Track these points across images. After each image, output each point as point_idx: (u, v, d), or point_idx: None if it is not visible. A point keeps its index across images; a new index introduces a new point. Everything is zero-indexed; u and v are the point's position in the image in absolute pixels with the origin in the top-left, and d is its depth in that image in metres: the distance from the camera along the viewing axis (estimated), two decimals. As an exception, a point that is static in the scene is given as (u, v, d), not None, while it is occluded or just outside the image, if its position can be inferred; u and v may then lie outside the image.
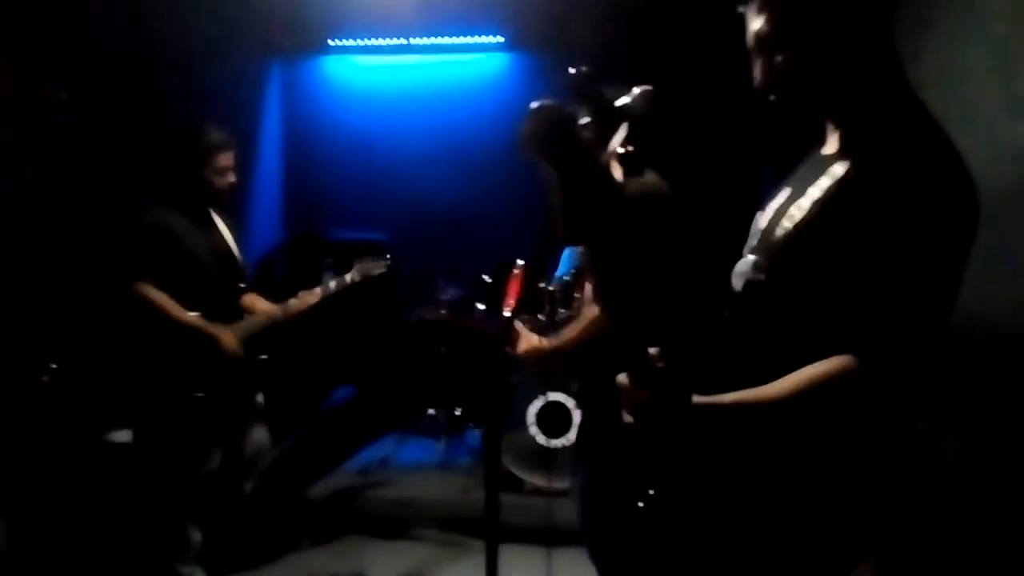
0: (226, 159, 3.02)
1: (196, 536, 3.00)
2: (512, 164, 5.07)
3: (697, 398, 1.16)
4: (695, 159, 2.25)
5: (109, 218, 2.97)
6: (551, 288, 2.78)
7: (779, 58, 1.21)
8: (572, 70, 1.09)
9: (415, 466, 4.28)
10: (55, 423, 2.85)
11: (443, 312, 4.18)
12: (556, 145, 1.00)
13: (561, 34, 4.57)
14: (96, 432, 3.23)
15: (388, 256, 3.37)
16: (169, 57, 3.75)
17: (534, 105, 1.00)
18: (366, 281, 3.34)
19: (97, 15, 3.37)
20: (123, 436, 3.18)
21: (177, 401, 2.93)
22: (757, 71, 1.25)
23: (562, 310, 2.71)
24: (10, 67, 2.95)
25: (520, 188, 4.68)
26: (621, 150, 1.91)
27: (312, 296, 3.23)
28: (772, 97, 1.24)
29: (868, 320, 1.11)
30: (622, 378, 1.18)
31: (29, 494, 2.76)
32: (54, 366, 2.42)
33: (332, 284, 3.27)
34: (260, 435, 3.28)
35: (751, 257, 1.29)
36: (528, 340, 2.47)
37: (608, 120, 2.04)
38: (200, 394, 2.93)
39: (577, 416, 3.72)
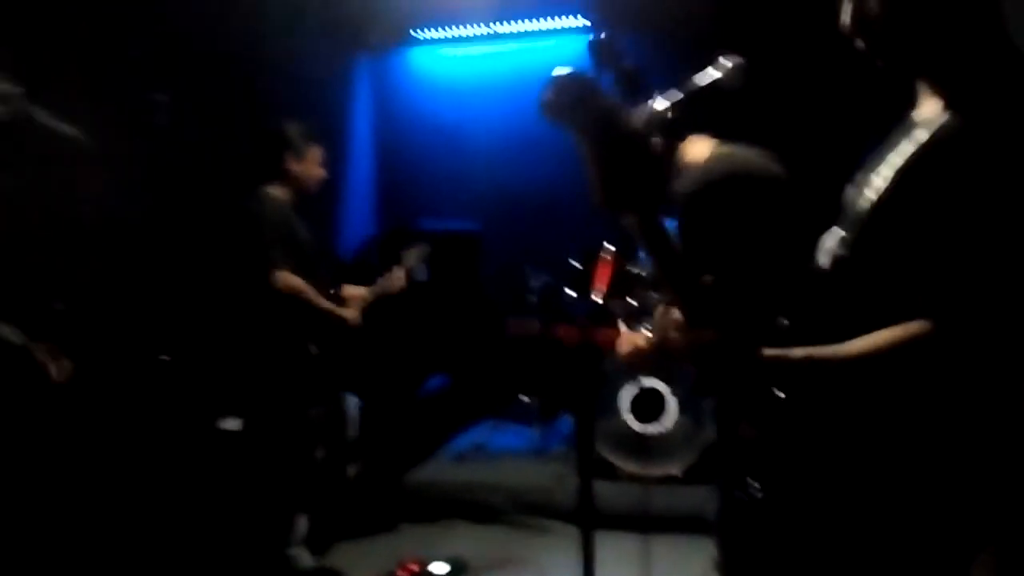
0: (313, 152, 3.12)
1: (303, 520, 3.11)
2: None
3: (767, 350, 1.10)
4: (793, 132, 2.15)
5: (226, 212, 3.12)
6: (641, 272, 2.72)
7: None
8: (593, 37, 1.06)
9: (509, 452, 4.30)
10: (168, 411, 3.00)
11: (533, 323, 4.17)
12: (578, 112, 1.00)
13: (645, 12, 4.47)
14: (207, 420, 3.40)
15: (426, 243, 3.55)
16: (261, 56, 3.87)
17: (555, 73, 1.00)
18: (418, 265, 3.51)
19: (193, 19, 3.51)
20: (233, 424, 3.33)
21: (293, 388, 3.06)
22: (845, 13, 1.18)
23: (653, 293, 2.65)
24: (114, 72, 3.11)
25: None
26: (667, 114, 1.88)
27: (395, 279, 3.37)
28: (859, 43, 1.17)
29: (944, 283, 1.04)
30: (676, 317, 1.13)
31: (140, 480, 2.92)
32: (165, 358, 2.55)
33: (400, 269, 3.41)
34: (354, 419, 3.40)
35: (838, 232, 1.23)
36: (630, 341, 2.41)
37: (693, 99, 1.99)
38: (315, 382, 3.06)
39: (672, 402, 3.66)
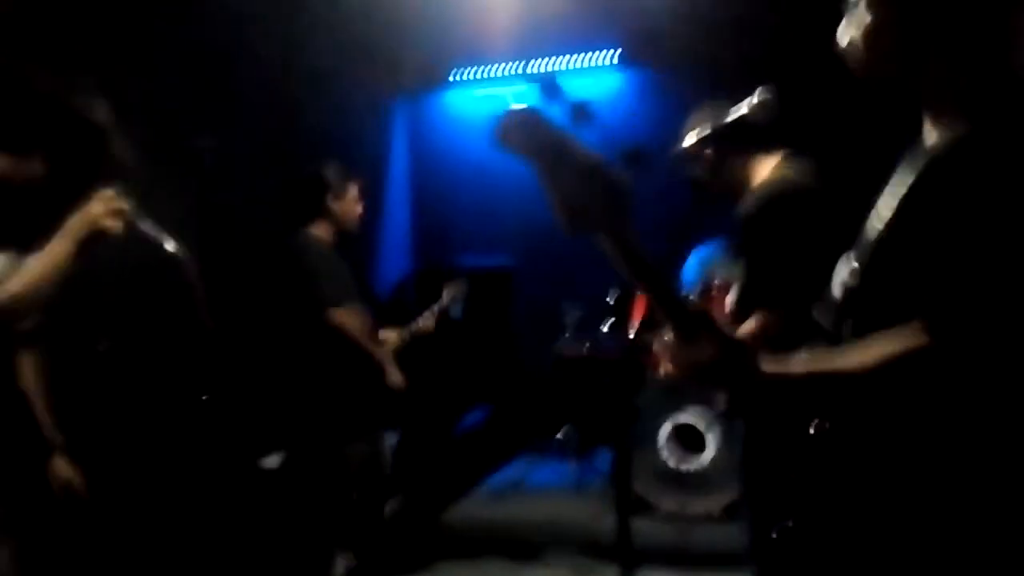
0: (351, 189, 3.22)
1: (341, 558, 3.12)
2: (634, 181, 5.03)
3: (768, 365, 1.10)
4: (827, 160, 2.16)
5: (270, 253, 3.21)
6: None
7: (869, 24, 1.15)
8: (541, 80, 1.12)
9: (547, 488, 4.28)
10: (209, 449, 3.05)
11: (584, 347, 4.19)
12: (529, 142, 1.05)
13: (677, 48, 4.52)
14: (248, 458, 3.45)
15: (462, 280, 3.64)
16: (301, 101, 4.00)
17: (506, 109, 1.06)
18: (457, 300, 3.58)
19: (235, 65, 3.65)
20: (274, 461, 3.37)
21: (333, 425, 3.10)
22: (843, 35, 1.19)
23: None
24: (162, 118, 3.23)
25: (641, 205, 4.64)
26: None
27: (425, 321, 3.45)
28: (857, 66, 1.18)
29: (940, 292, 1.03)
30: (669, 337, 1.13)
31: (183, 517, 2.96)
32: (205, 397, 2.61)
33: (436, 307, 3.51)
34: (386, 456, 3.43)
35: (852, 262, 1.23)
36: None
37: (726, 134, 2.01)
38: (357, 420, 3.10)
39: (711, 437, 3.61)
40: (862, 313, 1.18)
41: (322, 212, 3.16)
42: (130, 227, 1.86)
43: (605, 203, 1.05)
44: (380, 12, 4.10)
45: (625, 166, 1.13)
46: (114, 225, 1.84)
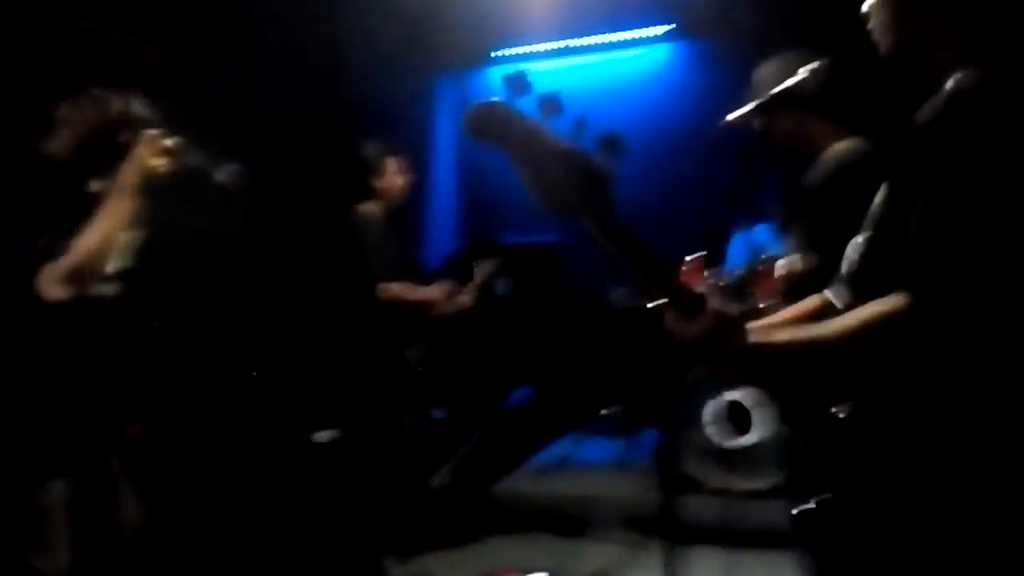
0: (391, 164, 3.26)
1: (392, 533, 3.19)
2: (682, 157, 4.99)
3: (753, 337, 1.13)
4: (879, 134, 2.10)
5: (321, 232, 3.28)
6: (723, 282, 2.69)
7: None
8: (507, 73, 1.17)
9: (594, 465, 4.29)
10: (263, 425, 3.14)
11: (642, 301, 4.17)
12: (499, 133, 1.10)
13: (726, 19, 4.41)
14: (302, 432, 3.53)
15: (500, 255, 3.73)
16: (347, 81, 4.03)
17: (475, 103, 1.13)
18: (491, 278, 3.62)
19: (280, 47, 3.70)
20: (328, 435, 3.44)
21: (388, 399, 3.17)
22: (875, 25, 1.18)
23: (735, 305, 2.61)
24: (213, 99, 3.29)
25: (690, 182, 4.58)
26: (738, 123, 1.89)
27: (465, 298, 3.51)
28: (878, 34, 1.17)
29: (922, 257, 1.02)
30: (670, 315, 1.17)
31: (237, 492, 3.05)
32: (254, 374, 2.68)
33: (472, 285, 3.57)
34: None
35: (859, 239, 1.23)
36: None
37: (776, 104, 1.96)
38: (409, 391, 3.17)
39: (758, 415, 3.57)
40: (864, 286, 1.17)
41: (368, 191, 3.22)
42: (180, 164, 1.91)
43: (580, 187, 1.09)
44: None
45: (601, 152, 1.17)
46: (165, 165, 1.90)
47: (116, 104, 1.92)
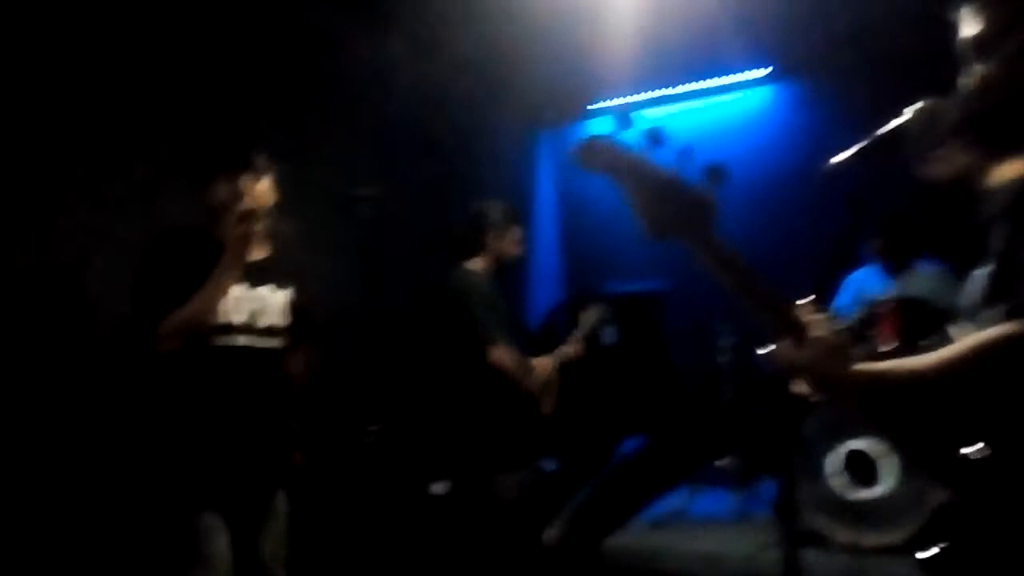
0: (514, 232, 3.33)
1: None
2: (784, 200, 4.87)
3: (858, 365, 1.12)
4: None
5: (432, 289, 3.37)
6: (839, 324, 2.59)
7: (993, 64, 1.13)
8: (615, 113, 1.21)
9: (710, 518, 4.15)
10: (379, 477, 3.22)
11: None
12: (607, 164, 1.17)
13: (830, 58, 4.33)
14: (417, 485, 3.60)
15: (604, 303, 3.67)
16: (451, 140, 4.18)
17: (583, 137, 1.19)
18: (598, 326, 3.61)
19: (387, 111, 3.88)
20: (442, 488, 3.50)
21: (497, 453, 3.19)
22: (969, 78, 1.20)
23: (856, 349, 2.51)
24: (327, 170, 3.50)
25: (796, 222, 4.46)
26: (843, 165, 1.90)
27: (570, 347, 3.50)
28: (982, 107, 1.17)
29: None
30: (780, 344, 1.17)
31: (355, 539, 3.13)
32: (374, 428, 2.77)
33: (578, 334, 3.55)
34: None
35: (980, 272, 1.20)
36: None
37: (875, 147, 1.90)
38: (512, 451, 3.19)
39: (886, 464, 3.38)
40: (986, 319, 1.14)
41: (481, 247, 3.27)
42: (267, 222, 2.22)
43: (682, 212, 1.15)
44: (521, 48, 4.23)
45: (705, 181, 1.22)
46: (253, 226, 2.20)
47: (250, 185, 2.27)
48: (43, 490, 2.69)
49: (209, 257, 2.21)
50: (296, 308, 2.45)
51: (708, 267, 1.16)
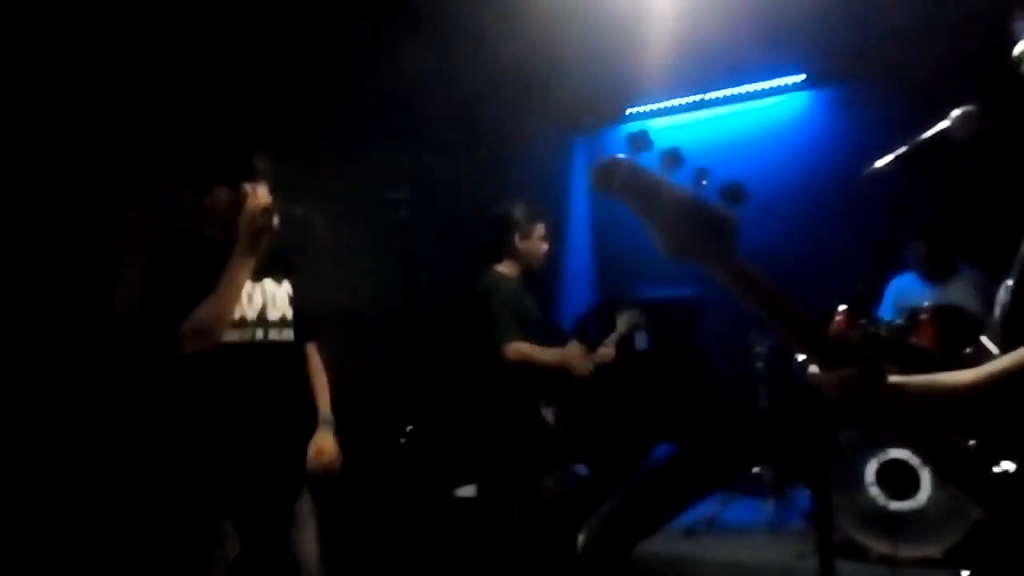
0: (537, 229, 3.33)
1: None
2: (822, 204, 4.82)
3: (891, 378, 1.09)
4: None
5: (467, 292, 3.40)
6: (878, 331, 2.56)
7: None
8: (629, 132, 1.20)
9: (742, 527, 4.11)
10: (409, 480, 3.24)
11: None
12: (622, 186, 1.14)
13: (865, 65, 4.28)
14: (444, 488, 3.61)
15: (638, 308, 3.68)
16: (487, 145, 4.20)
17: (598, 160, 1.16)
18: (634, 330, 3.61)
19: (424, 115, 3.92)
20: (468, 491, 3.51)
21: (525, 457, 3.19)
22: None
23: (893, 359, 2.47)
24: (359, 174, 3.53)
25: (832, 229, 4.41)
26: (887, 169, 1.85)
27: (605, 350, 3.48)
28: None
29: None
30: (811, 365, 1.15)
31: (381, 543, 3.15)
32: (410, 428, 2.78)
33: (613, 337, 3.54)
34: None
35: (1008, 282, 1.17)
36: None
37: (924, 150, 1.88)
38: (547, 450, 3.17)
39: (927, 475, 3.32)
40: (1013, 332, 1.14)
41: (509, 251, 3.30)
42: (283, 217, 2.21)
43: (702, 233, 1.12)
44: (557, 54, 4.24)
45: (723, 201, 1.20)
46: (270, 222, 2.20)
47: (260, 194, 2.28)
48: (60, 490, 2.70)
49: (212, 258, 2.23)
50: (295, 303, 2.46)
51: (731, 289, 1.14)
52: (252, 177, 2.30)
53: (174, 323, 2.17)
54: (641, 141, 1.17)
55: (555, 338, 3.46)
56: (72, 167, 2.87)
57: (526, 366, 3.14)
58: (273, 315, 2.38)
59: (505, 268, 3.30)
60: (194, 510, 2.24)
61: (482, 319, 3.20)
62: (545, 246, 3.37)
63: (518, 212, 3.31)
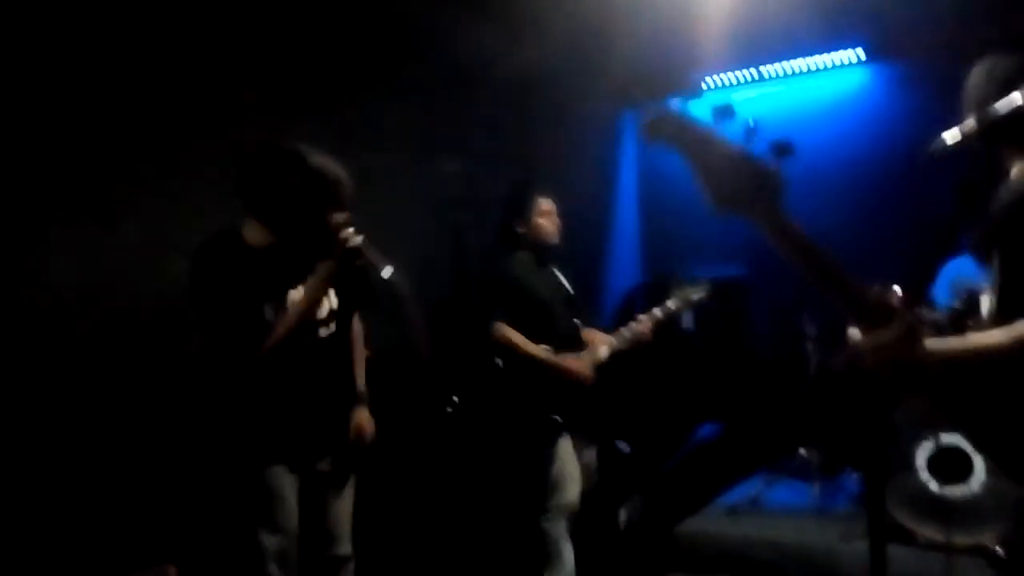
0: (542, 205, 3.26)
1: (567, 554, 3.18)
2: (880, 182, 4.70)
3: (929, 342, 1.12)
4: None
5: (478, 271, 3.40)
6: (932, 315, 2.50)
7: None
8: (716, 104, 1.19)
9: (787, 509, 4.07)
10: (448, 453, 3.28)
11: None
12: (674, 133, 1.17)
13: (925, 39, 4.14)
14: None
15: (709, 282, 3.52)
16: (536, 118, 4.18)
17: (654, 108, 1.20)
18: (688, 307, 3.47)
19: (476, 88, 3.91)
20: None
21: (534, 428, 3.19)
22: None
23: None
24: (410, 145, 3.54)
25: (889, 207, 4.30)
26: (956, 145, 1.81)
27: (641, 324, 3.36)
28: None
29: None
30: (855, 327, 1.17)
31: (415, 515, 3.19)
32: (456, 399, 2.83)
33: (658, 312, 3.41)
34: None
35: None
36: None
37: (991, 127, 1.81)
38: (558, 419, 3.16)
39: (980, 461, 3.25)
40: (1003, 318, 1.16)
41: (516, 233, 3.26)
42: (365, 259, 2.28)
43: (750, 187, 1.14)
44: (610, 28, 4.19)
45: (773, 156, 1.23)
46: (355, 261, 2.29)
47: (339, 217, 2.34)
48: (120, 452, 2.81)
49: (254, 263, 2.30)
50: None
51: (775, 245, 1.15)
52: (339, 205, 2.34)
53: (247, 339, 2.25)
54: (727, 113, 1.19)
55: (584, 315, 3.41)
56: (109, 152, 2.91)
57: (510, 347, 3.11)
58: (323, 312, 2.45)
59: (521, 254, 3.27)
60: (243, 465, 2.32)
61: (479, 301, 3.20)
62: (548, 222, 3.29)
63: (518, 193, 3.27)
